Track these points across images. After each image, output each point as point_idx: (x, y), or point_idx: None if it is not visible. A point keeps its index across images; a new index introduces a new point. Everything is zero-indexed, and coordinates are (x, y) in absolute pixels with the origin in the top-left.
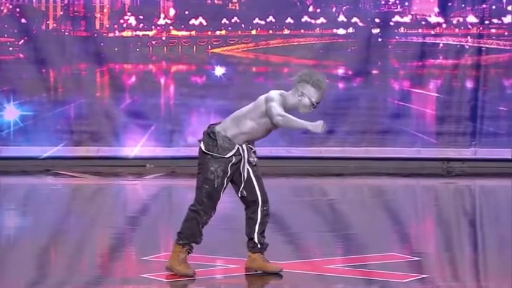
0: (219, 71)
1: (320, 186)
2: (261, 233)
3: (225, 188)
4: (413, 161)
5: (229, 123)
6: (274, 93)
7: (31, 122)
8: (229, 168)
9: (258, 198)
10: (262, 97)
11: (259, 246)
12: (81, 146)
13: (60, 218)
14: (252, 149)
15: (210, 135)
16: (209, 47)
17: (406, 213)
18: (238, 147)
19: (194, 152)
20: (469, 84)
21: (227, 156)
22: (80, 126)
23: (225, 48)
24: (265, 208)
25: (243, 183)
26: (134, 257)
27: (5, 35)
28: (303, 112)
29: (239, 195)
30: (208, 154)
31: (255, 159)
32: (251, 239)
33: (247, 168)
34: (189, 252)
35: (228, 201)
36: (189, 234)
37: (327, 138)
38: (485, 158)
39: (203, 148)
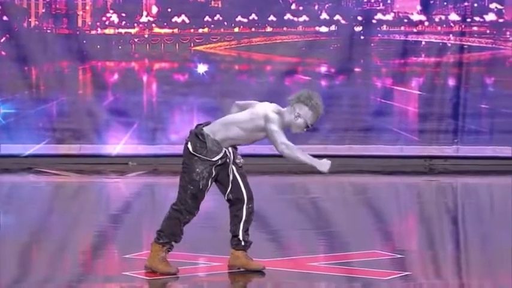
0: (202, 68)
1: (303, 184)
2: (246, 231)
3: (209, 188)
4: (395, 159)
5: (219, 127)
6: (273, 113)
7: (13, 119)
8: (214, 170)
9: (243, 196)
10: (260, 113)
11: (243, 243)
12: (64, 144)
13: (43, 216)
14: (237, 149)
15: (198, 136)
16: (192, 45)
17: (388, 210)
18: (225, 151)
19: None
20: (451, 82)
21: (214, 159)
22: (62, 124)
23: (208, 45)
24: (250, 206)
25: (229, 185)
26: (117, 255)
27: None
28: (295, 132)
29: (226, 198)
30: (196, 156)
31: (241, 160)
32: (235, 236)
33: (232, 168)
34: (168, 251)
35: (211, 199)
36: (170, 233)
37: (309, 136)
38: (467, 156)
39: (190, 149)
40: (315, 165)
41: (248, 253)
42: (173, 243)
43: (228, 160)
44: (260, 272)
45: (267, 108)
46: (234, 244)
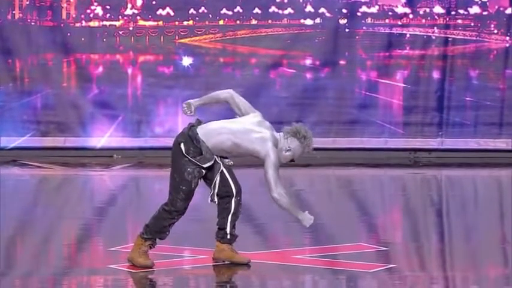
0: (187, 61)
1: (288, 177)
2: (233, 225)
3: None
4: (380, 152)
5: (213, 133)
6: (273, 153)
7: None
8: (203, 171)
9: (232, 189)
10: (262, 146)
11: (229, 237)
12: (48, 137)
13: (27, 208)
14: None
15: (193, 141)
16: (176, 37)
17: (373, 203)
18: (215, 159)
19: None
20: (436, 74)
21: (205, 166)
22: (46, 116)
23: (193, 38)
24: (238, 198)
25: (217, 186)
26: (101, 247)
27: None
28: (282, 161)
29: (211, 199)
30: (187, 158)
31: (231, 162)
32: (222, 229)
33: (219, 163)
34: (150, 247)
35: (196, 192)
36: (156, 231)
37: None
38: (451, 148)
39: (183, 151)
40: (300, 218)
41: (233, 246)
42: (157, 240)
43: (217, 165)
44: (245, 265)
45: (267, 143)
46: (219, 237)
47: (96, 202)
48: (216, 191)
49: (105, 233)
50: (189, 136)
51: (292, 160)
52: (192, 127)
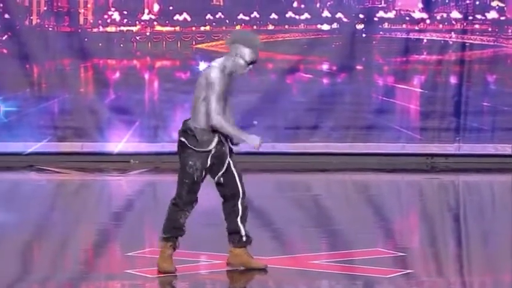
0: (204, 66)
1: (305, 182)
2: (245, 226)
3: (203, 178)
4: (397, 157)
5: (197, 115)
6: (215, 74)
7: (15, 117)
8: (209, 160)
9: (239, 191)
10: (203, 78)
11: (244, 239)
12: (65, 142)
13: (44, 213)
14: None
15: (187, 132)
16: (193, 43)
17: (390, 208)
18: (220, 137)
19: None
20: (453, 79)
21: (209, 148)
22: (63, 121)
23: (210, 43)
24: (244, 200)
25: (222, 170)
26: (119, 252)
27: None
28: (240, 74)
29: (216, 181)
30: (190, 148)
31: (235, 145)
32: (236, 232)
33: (229, 161)
34: (174, 248)
35: (212, 197)
36: (171, 227)
37: (311, 134)
38: (469, 154)
39: (187, 143)
40: (244, 139)
41: (249, 250)
42: (176, 239)
43: (224, 148)
44: (262, 270)
45: (214, 71)
46: (234, 241)
47: (113, 207)
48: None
49: (122, 238)
50: (183, 131)
51: (248, 65)
52: (184, 122)
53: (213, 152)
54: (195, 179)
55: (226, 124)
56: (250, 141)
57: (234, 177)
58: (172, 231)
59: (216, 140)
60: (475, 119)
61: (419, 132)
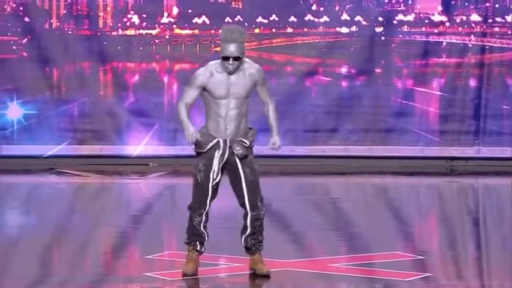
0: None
1: (323, 185)
2: (254, 239)
3: (214, 183)
4: (416, 160)
5: (205, 117)
6: (196, 72)
7: (34, 120)
8: (214, 163)
9: (246, 205)
10: None
11: (253, 248)
12: (85, 145)
13: (64, 216)
14: (243, 141)
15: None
16: (212, 46)
17: (409, 211)
18: (218, 140)
19: None
20: (473, 82)
21: (205, 150)
22: (83, 124)
23: None
24: (253, 214)
25: (232, 177)
26: (138, 255)
27: (9, 34)
28: (228, 71)
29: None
30: (196, 152)
31: (240, 150)
32: (260, 242)
33: (240, 172)
34: (197, 251)
35: (230, 200)
36: (190, 233)
37: (330, 137)
38: (488, 157)
39: (194, 145)
40: (183, 129)
41: (269, 254)
42: (197, 243)
43: (224, 152)
44: (281, 273)
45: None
46: (258, 249)
47: (132, 210)
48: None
49: (141, 241)
50: None
51: (226, 60)
52: None
53: (216, 155)
54: (199, 180)
55: (181, 113)
56: (185, 136)
57: (242, 190)
58: (192, 237)
59: (213, 142)
60: (494, 122)
61: (439, 135)
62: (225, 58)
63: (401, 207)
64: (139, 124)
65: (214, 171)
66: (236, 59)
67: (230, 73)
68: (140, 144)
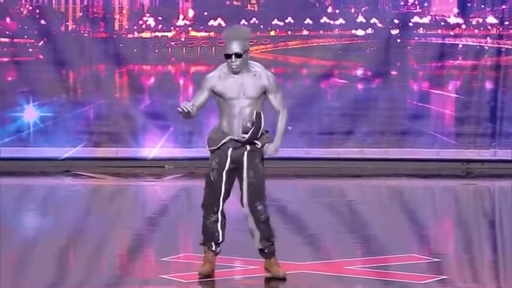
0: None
1: (339, 187)
2: (264, 239)
3: (226, 184)
4: (432, 162)
5: (219, 118)
6: (206, 77)
7: (51, 123)
8: (227, 163)
9: (244, 205)
10: None
11: (266, 251)
12: (101, 147)
13: (80, 218)
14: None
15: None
16: None
17: (425, 214)
18: (231, 138)
19: None
20: (489, 85)
21: (218, 146)
22: (99, 127)
23: None
24: (255, 216)
25: (240, 176)
26: (153, 257)
27: (25, 36)
28: (232, 70)
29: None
30: (209, 150)
31: (248, 124)
32: (272, 243)
33: (244, 173)
34: (213, 251)
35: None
36: (205, 233)
37: (345, 140)
38: (504, 159)
39: (206, 143)
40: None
41: (285, 256)
42: (212, 243)
43: (240, 151)
44: (295, 276)
45: None
46: (260, 253)
47: (147, 212)
48: (243, 194)
49: (157, 243)
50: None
51: (228, 58)
52: None
53: (229, 154)
54: (212, 179)
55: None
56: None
57: (243, 190)
58: (207, 237)
59: (227, 139)
60: (510, 125)
61: (455, 137)
62: (227, 56)
63: (417, 209)
64: (155, 126)
65: (227, 171)
66: (238, 56)
67: (235, 72)
68: (156, 147)
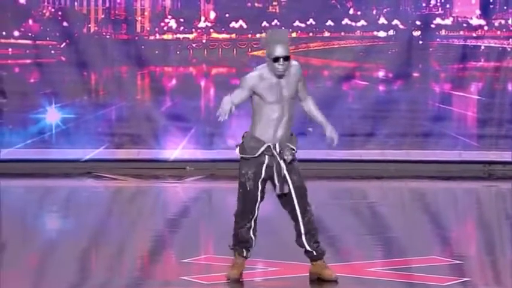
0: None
1: (360, 189)
2: (314, 242)
3: (262, 191)
4: (454, 164)
5: (252, 122)
6: (246, 76)
7: (73, 124)
8: (263, 171)
9: (296, 212)
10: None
11: (315, 253)
12: (122, 149)
13: (101, 220)
14: (291, 146)
15: (241, 140)
16: (249, 50)
17: (447, 216)
18: (268, 145)
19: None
20: (511, 86)
21: (256, 155)
22: (120, 128)
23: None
24: (305, 218)
25: (277, 183)
26: (174, 259)
27: (47, 38)
28: (278, 73)
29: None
30: (241, 157)
31: (289, 156)
32: (305, 250)
33: (288, 181)
34: (243, 257)
35: (266, 204)
36: (236, 240)
37: (367, 141)
38: None
39: (238, 151)
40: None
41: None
42: (242, 249)
43: (274, 157)
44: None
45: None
46: (308, 256)
47: (168, 214)
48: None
49: (178, 245)
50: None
51: (276, 61)
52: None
53: (266, 162)
54: (248, 188)
55: (225, 99)
56: (221, 106)
57: (292, 197)
58: (237, 243)
59: (263, 147)
60: None
61: (477, 139)
62: (276, 59)
63: (439, 211)
64: (176, 128)
65: (262, 180)
66: (286, 59)
67: (280, 76)
68: (177, 148)
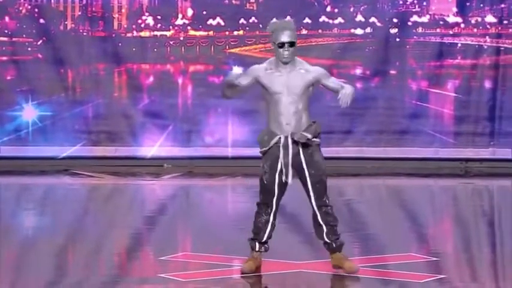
0: (237, 71)
1: (337, 186)
2: (332, 234)
3: (280, 184)
4: (431, 161)
5: (266, 117)
6: (253, 66)
7: (49, 121)
8: (279, 163)
9: (313, 205)
10: None
11: (334, 245)
12: (99, 146)
13: (78, 218)
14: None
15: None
16: (227, 47)
17: (423, 213)
18: (280, 137)
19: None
20: (488, 84)
21: (268, 147)
22: (97, 126)
23: (243, 48)
24: (321, 212)
25: (298, 175)
26: (151, 256)
27: (24, 35)
28: (284, 60)
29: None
30: (259, 151)
31: (301, 138)
32: (324, 242)
33: (306, 174)
34: (257, 250)
35: (242, 201)
36: (254, 229)
37: (344, 139)
38: (503, 158)
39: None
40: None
41: (282, 255)
42: (256, 242)
43: (287, 147)
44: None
45: None
46: (327, 248)
47: (146, 211)
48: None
49: (155, 242)
50: None
51: (281, 47)
52: None
53: (282, 154)
54: (265, 181)
55: (227, 78)
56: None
57: (309, 191)
58: (254, 234)
59: (276, 139)
60: (509, 124)
61: (453, 136)
62: (281, 45)
63: (416, 208)
64: (154, 125)
65: (279, 173)
66: (291, 45)
67: (285, 62)
68: (154, 146)
